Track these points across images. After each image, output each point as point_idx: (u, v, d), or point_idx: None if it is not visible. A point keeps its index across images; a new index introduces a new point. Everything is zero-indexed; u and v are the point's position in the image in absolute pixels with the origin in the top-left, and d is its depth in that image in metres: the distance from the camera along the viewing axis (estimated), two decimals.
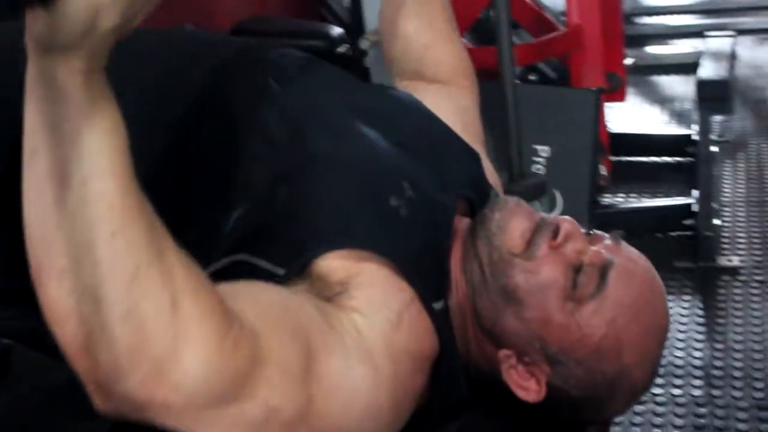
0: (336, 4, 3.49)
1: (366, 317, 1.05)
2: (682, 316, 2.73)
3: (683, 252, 2.93)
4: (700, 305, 2.77)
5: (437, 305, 1.13)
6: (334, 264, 1.07)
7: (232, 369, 0.88)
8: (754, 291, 2.79)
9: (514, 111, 2.06)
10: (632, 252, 1.21)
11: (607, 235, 1.21)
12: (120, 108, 0.82)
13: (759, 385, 2.41)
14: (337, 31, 3.09)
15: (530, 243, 1.16)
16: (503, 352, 1.17)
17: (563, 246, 1.16)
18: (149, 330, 0.83)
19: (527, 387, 1.18)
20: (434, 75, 1.53)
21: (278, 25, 3.21)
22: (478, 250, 1.18)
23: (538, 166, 2.59)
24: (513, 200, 1.22)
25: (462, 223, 1.24)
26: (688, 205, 3.03)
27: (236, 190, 1.13)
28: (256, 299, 0.98)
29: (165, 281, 0.83)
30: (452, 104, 1.47)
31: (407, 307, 1.09)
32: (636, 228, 2.97)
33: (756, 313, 2.71)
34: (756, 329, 2.64)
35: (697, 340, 2.63)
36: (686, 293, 2.82)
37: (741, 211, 3.21)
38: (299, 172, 1.14)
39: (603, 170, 2.80)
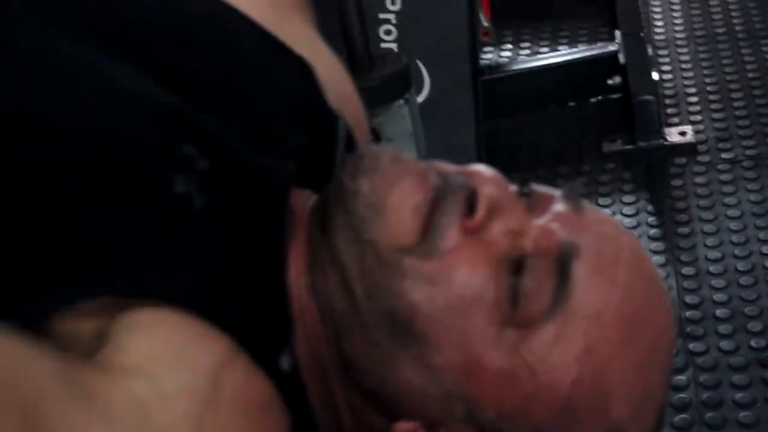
0: None
1: (155, 384, 0.70)
2: (625, 227, 2.03)
3: (613, 128, 2.32)
4: (650, 208, 2.16)
5: (283, 361, 0.78)
6: (80, 318, 0.73)
7: None
8: (725, 177, 2.12)
9: None
10: (602, 219, 0.85)
11: (555, 192, 0.84)
12: None
13: (756, 327, 1.76)
14: None
15: (429, 227, 0.80)
16: (401, 426, 0.82)
17: (487, 226, 0.80)
18: None
19: None
20: None
21: None
22: (339, 253, 0.82)
23: (387, 28, 1.94)
24: (388, 153, 0.85)
25: (301, 200, 0.86)
26: (613, 55, 2.44)
27: None
28: None
29: None
30: None
31: (228, 366, 0.73)
32: (540, 97, 2.49)
33: (732, 212, 2.00)
34: (737, 238, 1.93)
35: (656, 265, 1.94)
36: (626, 191, 2.20)
37: (685, 56, 2.50)
38: None
39: (484, 19, 2.15)
